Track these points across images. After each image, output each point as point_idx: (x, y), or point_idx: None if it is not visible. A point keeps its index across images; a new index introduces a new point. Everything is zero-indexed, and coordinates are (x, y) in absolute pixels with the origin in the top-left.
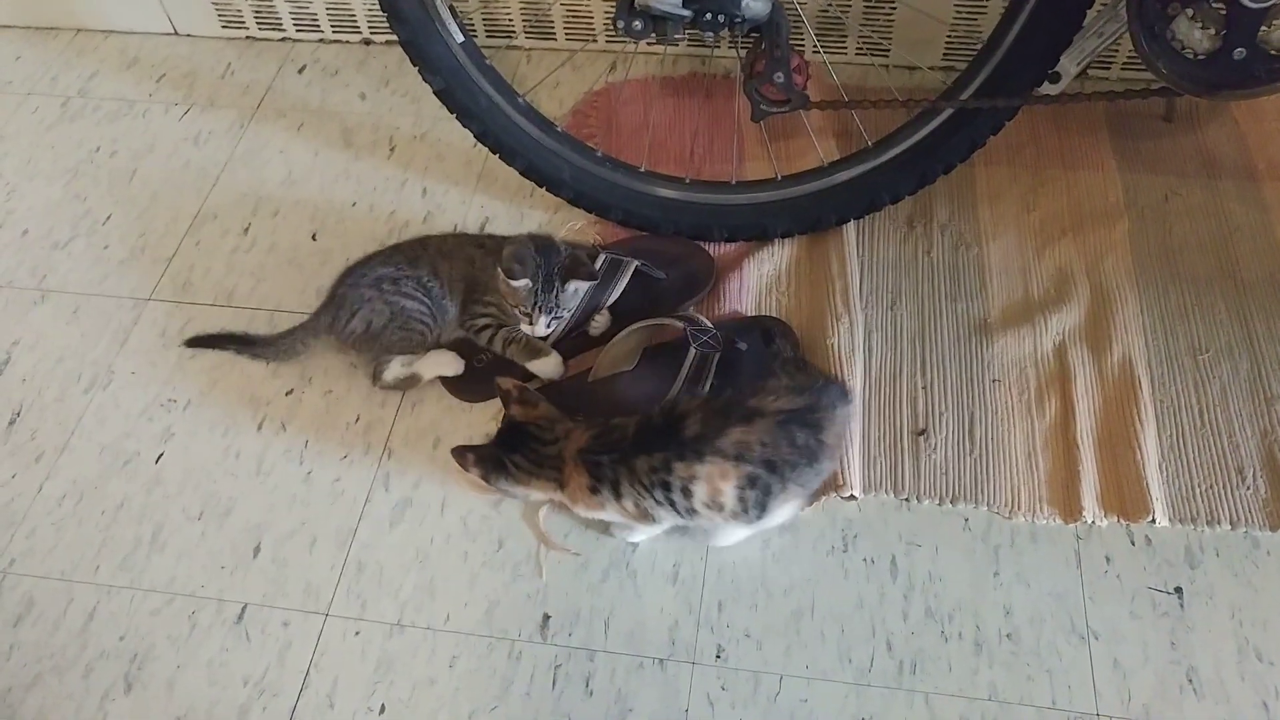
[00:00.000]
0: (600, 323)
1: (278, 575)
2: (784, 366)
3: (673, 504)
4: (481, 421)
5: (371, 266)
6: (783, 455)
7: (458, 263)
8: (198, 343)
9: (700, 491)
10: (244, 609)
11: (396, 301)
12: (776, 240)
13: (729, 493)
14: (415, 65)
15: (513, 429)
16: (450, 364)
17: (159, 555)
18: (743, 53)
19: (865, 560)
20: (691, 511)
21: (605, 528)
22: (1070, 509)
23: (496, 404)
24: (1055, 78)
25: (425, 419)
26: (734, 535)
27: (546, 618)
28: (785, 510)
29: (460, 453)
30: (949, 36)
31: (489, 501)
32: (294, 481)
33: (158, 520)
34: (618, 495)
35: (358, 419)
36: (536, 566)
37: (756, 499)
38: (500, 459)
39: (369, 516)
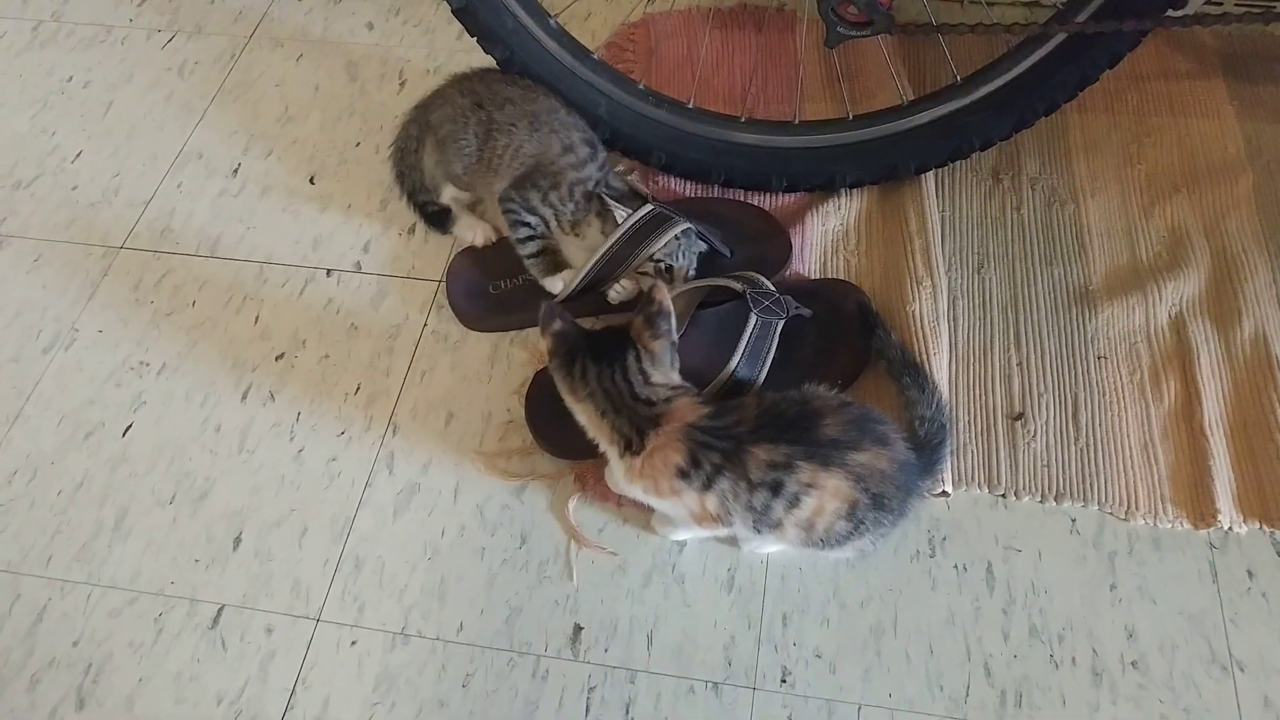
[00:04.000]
0: (624, 289)
1: (261, 572)
2: (897, 370)
3: (766, 511)
4: (502, 394)
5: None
6: (888, 495)
7: (538, 135)
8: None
9: (808, 505)
10: (220, 611)
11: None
12: (844, 191)
13: (829, 515)
14: None
15: (619, 336)
16: (480, 234)
17: (122, 545)
18: None
19: (956, 567)
20: (776, 526)
21: (646, 522)
22: (1201, 512)
23: (520, 377)
24: (1180, 1)
25: (436, 390)
26: (774, 548)
27: (578, 629)
28: (841, 553)
29: (550, 311)
30: None
31: (510, 488)
32: (283, 461)
33: (122, 503)
34: (706, 487)
35: (358, 389)
36: (566, 567)
37: (844, 531)
38: (575, 354)
39: (369, 503)
